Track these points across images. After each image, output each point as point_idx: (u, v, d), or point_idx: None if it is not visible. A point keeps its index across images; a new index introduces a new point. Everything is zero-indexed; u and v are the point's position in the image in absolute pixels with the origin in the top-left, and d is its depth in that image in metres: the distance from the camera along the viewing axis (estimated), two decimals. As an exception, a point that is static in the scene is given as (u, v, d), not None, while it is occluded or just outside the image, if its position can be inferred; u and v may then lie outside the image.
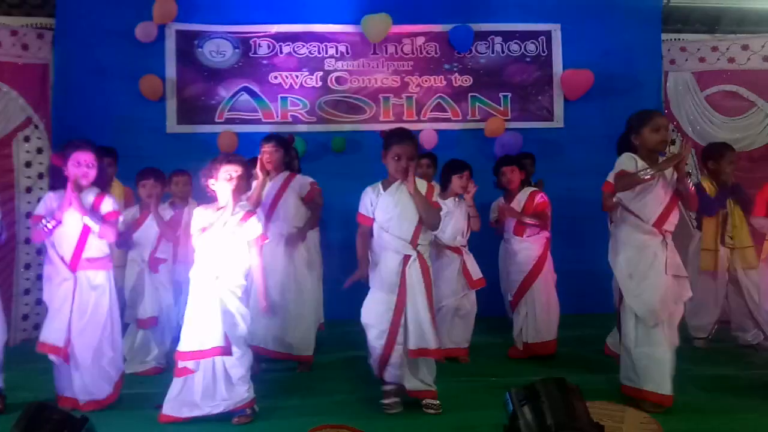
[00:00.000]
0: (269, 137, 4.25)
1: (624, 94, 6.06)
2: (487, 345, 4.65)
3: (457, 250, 4.28)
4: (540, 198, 4.41)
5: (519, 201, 4.43)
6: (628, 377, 3.29)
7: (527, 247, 4.39)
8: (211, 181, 3.19)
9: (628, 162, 3.21)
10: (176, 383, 3.13)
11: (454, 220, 4.26)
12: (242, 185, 3.21)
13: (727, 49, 6.17)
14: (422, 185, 3.31)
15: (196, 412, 3.10)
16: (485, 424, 2.42)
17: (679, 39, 6.44)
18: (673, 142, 6.41)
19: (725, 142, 4.81)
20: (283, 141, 4.27)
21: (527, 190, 4.46)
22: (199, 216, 3.18)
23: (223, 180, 3.14)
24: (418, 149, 3.34)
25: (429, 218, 3.25)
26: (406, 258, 3.19)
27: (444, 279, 4.21)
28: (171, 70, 5.86)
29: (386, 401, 3.26)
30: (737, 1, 6.68)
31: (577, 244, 5.52)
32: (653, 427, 2.69)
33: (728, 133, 5.99)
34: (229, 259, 3.14)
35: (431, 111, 6.15)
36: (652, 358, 3.17)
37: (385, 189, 3.30)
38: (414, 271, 3.19)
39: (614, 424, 2.69)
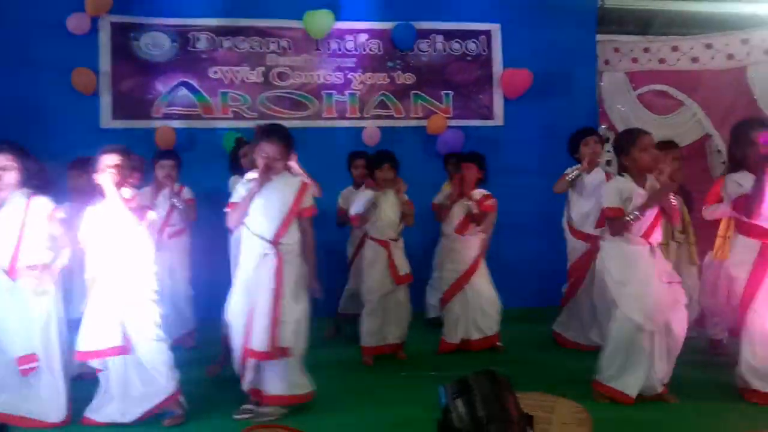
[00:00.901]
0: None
1: (561, 93, 6.22)
2: (428, 340, 4.70)
3: (384, 243, 4.23)
4: (490, 201, 4.45)
5: (472, 199, 4.43)
6: (608, 375, 3.32)
7: (464, 246, 4.43)
8: (95, 175, 3.06)
9: (614, 197, 3.26)
10: (101, 384, 3.08)
11: (383, 213, 4.24)
12: (127, 176, 3.10)
13: (658, 50, 6.41)
14: (295, 183, 3.27)
15: (117, 418, 3.03)
16: (422, 418, 2.45)
17: (613, 40, 6.65)
18: (607, 140, 6.64)
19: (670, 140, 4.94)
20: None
21: (480, 192, 4.48)
22: (90, 214, 3.09)
23: (102, 172, 3.03)
24: (291, 148, 3.29)
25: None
26: (264, 257, 3.13)
27: (370, 273, 4.22)
28: (105, 63, 5.67)
29: (245, 406, 3.20)
30: (668, 5, 6.96)
31: (516, 240, 5.65)
32: (583, 415, 2.77)
33: (659, 130, 6.16)
34: (124, 253, 3.05)
35: (374, 108, 6.16)
36: (636, 363, 3.22)
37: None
38: (268, 270, 3.11)
39: (545, 414, 2.76)
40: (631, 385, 3.24)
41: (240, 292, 3.18)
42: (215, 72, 5.88)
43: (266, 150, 3.17)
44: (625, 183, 3.29)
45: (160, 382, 3.09)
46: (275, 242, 3.16)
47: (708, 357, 4.24)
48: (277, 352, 3.09)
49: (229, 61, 5.90)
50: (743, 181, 3.33)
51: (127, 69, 5.73)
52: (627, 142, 3.30)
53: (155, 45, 5.80)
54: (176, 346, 4.11)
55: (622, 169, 3.37)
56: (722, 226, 4.08)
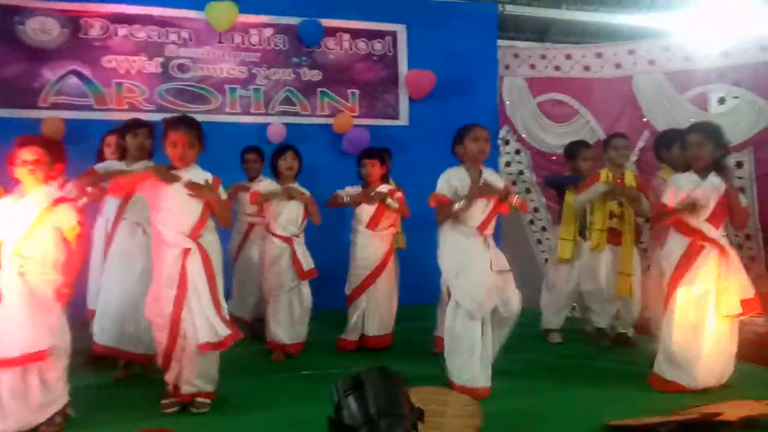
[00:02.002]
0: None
1: (464, 95, 6.39)
2: (327, 338, 4.69)
3: (287, 239, 4.19)
4: (399, 194, 4.48)
5: (381, 196, 4.42)
6: (446, 368, 3.43)
7: (375, 242, 4.44)
8: (14, 168, 2.87)
9: (443, 185, 3.50)
10: None
11: (287, 208, 4.20)
12: (45, 170, 2.89)
13: (554, 57, 6.71)
14: (207, 177, 3.21)
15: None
16: (317, 416, 2.44)
17: (512, 46, 6.92)
18: (507, 143, 6.90)
19: (581, 140, 5.15)
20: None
21: (386, 187, 4.50)
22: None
23: (19, 166, 2.86)
24: (203, 140, 3.20)
25: (221, 215, 3.21)
26: (186, 251, 3.07)
27: (273, 270, 4.17)
28: (-14, 47, 5.27)
29: (165, 401, 3.13)
30: (563, 14, 7.33)
31: (419, 239, 5.73)
32: (474, 408, 2.87)
33: (556, 138, 6.53)
34: (34, 250, 2.85)
35: (279, 104, 6.08)
36: (466, 355, 3.34)
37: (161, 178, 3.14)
38: (194, 263, 3.07)
39: (438, 408, 2.83)
40: (477, 376, 3.33)
41: (162, 288, 3.08)
42: (109, 61, 5.59)
43: (177, 138, 3.08)
44: (458, 172, 3.52)
45: (55, 391, 2.89)
46: (195, 237, 3.10)
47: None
48: (235, 334, 3.12)
49: (125, 50, 5.64)
50: (684, 182, 3.48)
51: (12, 55, 5.34)
52: (463, 133, 3.54)
53: (43, 30, 5.44)
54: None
55: (459, 159, 3.60)
56: (599, 219, 4.42)
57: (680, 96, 6.14)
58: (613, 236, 4.43)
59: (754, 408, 2.90)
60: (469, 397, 3.25)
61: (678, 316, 3.40)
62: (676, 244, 3.48)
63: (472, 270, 3.39)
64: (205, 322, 3.05)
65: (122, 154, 3.90)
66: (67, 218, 2.93)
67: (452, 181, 3.49)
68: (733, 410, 2.84)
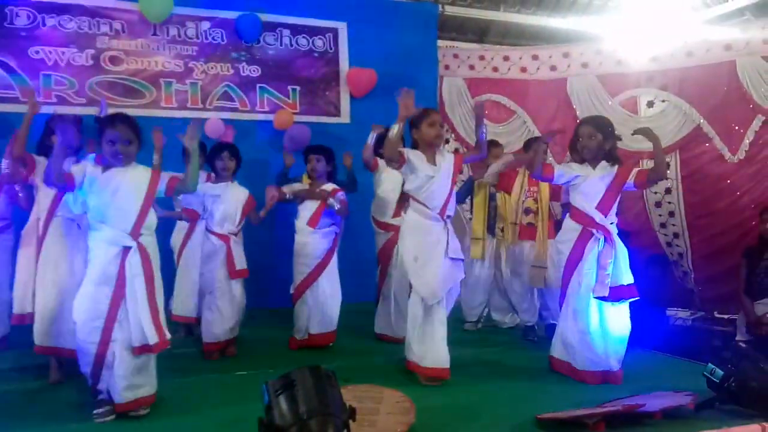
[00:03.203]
0: None
1: (404, 94, 6.42)
2: (268, 336, 4.65)
3: (224, 237, 4.15)
4: (341, 195, 4.45)
5: (325, 195, 4.39)
6: (410, 353, 3.56)
7: (316, 240, 4.41)
8: None
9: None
10: None
11: (224, 206, 4.16)
12: None
13: (492, 58, 6.84)
14: (145, 171, 3.15)
15: None
16: (249, 417, 2.41)
17: (452, 46, 7.01)
18: (447, 141, 6.98)
19: (492, 140, 5.23)
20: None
21: (331, 185, 4.48)
22: None
23: None
24: (139, 135, 3.12)
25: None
26: (126, 250, 3.00)
27: (208, 267, 4.13)
28: None
29: (99, 410, 3.00)
30: (501, 16, 7.47)
31: (360, 236, 5.74)
32: (407, 405, 2.89)
33: (494, 138, 6.64)
34: None
35: (218, 99, 5.97)
36: (432, 336, 3.48)
37: (99, 175, 3.05)
38: (134, 262, 3.00)
39: (373, 405, 2.85)
40: (439, 357, 3.48)
41: (96, 288, 2.97)
42: (36, 52, 5.36)
43: (114, 136, 3.00)
44: (414, 152, 3.59)
45: None
46: (135, 235, 3.01)
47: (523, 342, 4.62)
48: (163, 342, 3.02)
49: (54, 40, 5.41)
50: (577, 168, 3.68)
51: (-71, 42, 5.06)
52: (419, 117, 3.61)
53: (-35, 18, 5.17)
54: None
55: (414, 144, 3.68)
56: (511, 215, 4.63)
57: (611, 99, 6.36)
58: (530, 231, 4.63)
59: (673, 399, 3.04)
60: (431, 377, 3.40)
61: (569, 299, 3.63)
62: (569, 231, 3.69)
63: (430, 255, 3.50)
64: (138, 325, 2.97)
65: (45, 151, 3.75)
66: None
67: (409, 153, 3.54)
68: (654, 402, 2.96)
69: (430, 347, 3.50)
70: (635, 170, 3.64)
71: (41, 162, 3.74)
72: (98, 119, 3.16)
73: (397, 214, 4.52)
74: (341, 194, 4.47)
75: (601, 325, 3.55)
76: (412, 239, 3.60)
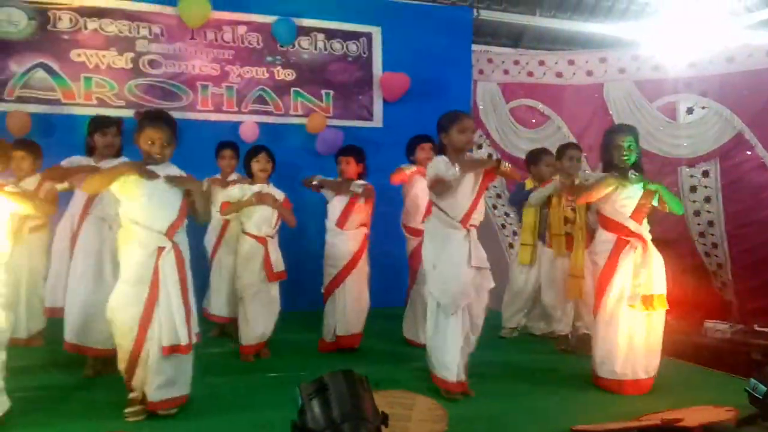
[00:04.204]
0: None
1: (437, 99, 6.38)
2: (299, 339, 4.67)
3: (261, 239, 4.17)
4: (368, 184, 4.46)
5: (354, 188, 4.41)
6: (430, 363, 3.48)
7: (344, 241, 4.41)
8: None
9: (439, 165, 3.39)
10: None
11: (261, 209, 4.16)
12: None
13: (527, 63, 6.77)
14: (181, 172, 3.16)
15: None
16: (282, 420, 2.42)
17: (486, 51, 6.96)
18: (480, 147, 6.94)
19: (543, 148, 5.18)
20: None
21: (361, 182, 4.47)
22: None
23: None
24: (176, 134, 3.13)
25: (200, 205, 3.14)
26: (160, 250, 3.01)
27: (247, 269, 4.14)
28: (-50, 38, 5.13)
29: (130, 409, 3.02)
30: (536, 20, 7.40)
31: (392, 240, 5.73)
32: (440, 413, 2.87)
33: (529, 143, 6.58)
34: None
35: (253, 103, 6.03)
36: (445, 348, 3.36)
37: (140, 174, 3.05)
38: (168, 263, 3.01)
39: (404, 412, 2.83)
40: (451, 370, 3.35)
41: (131, 288, 2.99)
42: (78, 55, 5.48)
43: (155, 135, 3.01)
44: (443, 161, 3.42)
45: None
46: (171, 235, 3.02)
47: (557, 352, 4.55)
48: (191, 344, 3.03)
49: (95, 44, 5.52)
50: (610, 180, 3.58)
51: (-25, 46, 5.21)
52: (449, 121, 3.45)
53: (10, 22, 5.30)
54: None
55: (441, 149, 3.52)
56: (555, 224, 4.55)
57: (649, 104, 6.25)
58: (567, 241, 4.56)
59: (714, 414, 2.96)
60: (444, 390, 3.29)
61: (603, 309, 3.55)
62: (603, 242, 3.63)
63: (449, 263, 3.38)
64: (171, 324, 2.98)
65: (90, 151, 3.83)
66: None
67: (440, 166, 3.39)
68: (693, 416, 2.88)
69: (442, 359, 3.38)
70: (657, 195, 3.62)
71: (78, 162, 3.81)
72: (138, 115, 3.14)
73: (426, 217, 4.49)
74: (368, 185, 4.46)
75: (635, 334, 3.50)
76: (431, 247, 3.49)
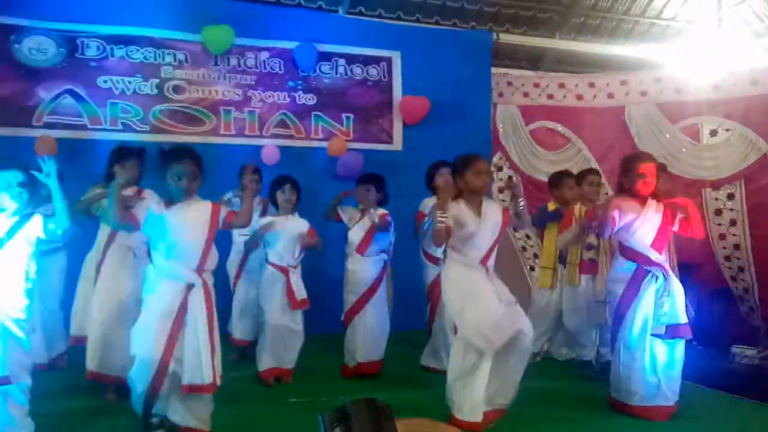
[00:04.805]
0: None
1: (458, 122, 6.43)
2: (319, 364, 4.65)
3: (283, 269, 4.19)
4: (387, 216, 4.46)
5: (372, 217, 4.43)
6: (451, 404, 3.37)
7: (365, 267, 4.41)
8: None
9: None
10: None
11: (284, 239, 4.19)
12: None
13: (547, 86, 6.77)
14: (206, 205, 3.16)
15: None
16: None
17: (506, 74, 6.98)
18: (500, 169, 6.93)
19: (565, 170, 5.17)
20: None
21: (380, 211, 4.50)
22: None
23: (2, 187, 2.81)
24: (201, 169, 3.15)
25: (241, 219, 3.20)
26: (189, 287, 3.01)
27: (270, 297, 4.16)
28: (-19, 66, 5.27)
29: None
30: (556, 43, 7.41)
31: (411, 263, 5.72)
32: (462, 441, 2.83)
33: (549, 165, 6.56)
34: (4, 271, 2.81)
35: (274, 127, 6.10)
36: (474, 388, 3.27)
37: (165, 211, 3.07)
38: (197, 300, 3.00)
39: (426, 440, 2.80)
40: (475, 410, 3.28)
41: (156, 321, 2.98)
42: (105, 81, 5.60)
43: (184, 170, 3.03)
44: (457, 206, 3.38)
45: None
46: (200, 271, 3.03)
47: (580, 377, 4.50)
48: (213, 385, 3.00)
49: (121, 70, 5.65)
50: (627, 208, 3.57)
51: (6, 73, 5.33)
52: (464, 165, 3.41)
53: (39, 50, 5.44)
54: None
55: (458, 192, 3.45)
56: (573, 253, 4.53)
57: (672, 126, 6.19)
58: (591, 267, 4.53)
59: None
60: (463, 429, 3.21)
61: (622, 337, 3.53)
62: (621, 270, 3.59)
63: (479, 305, 3.28)
64: (195, 362, 2.96)
65: (109, 180, 3.90)
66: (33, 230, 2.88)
67: (452, 212, 3.34)
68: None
69: (471, 398, 3.28)
70: (680, 218, 3.61)
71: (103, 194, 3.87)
72: (163, 152, 3.17)
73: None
74: (387, 218, 4.47)
75: (655, 361, 3.47)
76: (454, 291, 3.39)
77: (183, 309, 2.98)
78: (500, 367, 3.31)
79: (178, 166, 3.04)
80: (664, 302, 3.43)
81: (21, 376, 2.83)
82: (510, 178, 3.51)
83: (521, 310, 3.41)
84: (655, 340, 3.45)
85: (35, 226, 2.88)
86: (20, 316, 2.84)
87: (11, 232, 2.82)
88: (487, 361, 3.26)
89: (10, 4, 5.34)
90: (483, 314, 3.25)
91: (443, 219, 3.25)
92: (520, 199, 3.45)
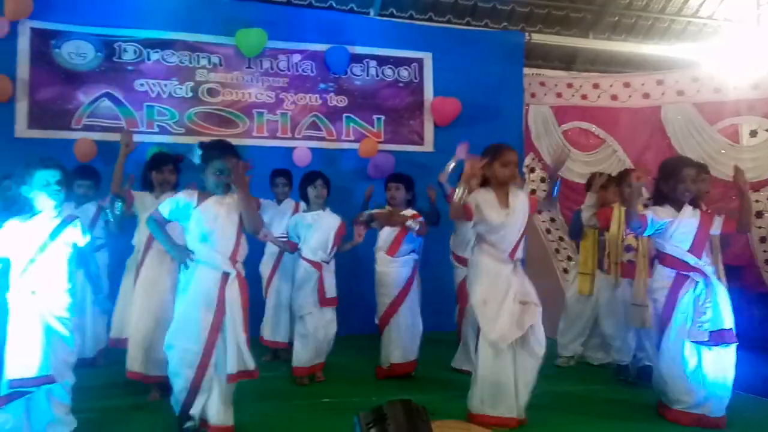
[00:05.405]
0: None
1: (489, 123, 6.39)
2: (352, 364, 4.66)
3: (317, 265, 4.20)
4: (421, 219, 4.43)
5: (412, 225, 4.37)
6: (479, 401, 3.36)
7: (396, 268, 4.41)
8: (24, 188, 2.90)
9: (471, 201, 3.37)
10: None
11: (317, 233, 4.22)
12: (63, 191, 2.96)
13: (581, 86, 6.69)
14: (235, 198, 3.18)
15: None
16: (337, 447, 2.42)
17: (539, 74, 6.92)
18: (533, 170, 6.87)
19: (602, 172, 5.06)
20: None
21: (410, 211, 4.48)
22: (12, 227, 2.89)
23: (40, 186, 2.89)
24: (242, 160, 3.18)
25: (252, 223, 3.16)
26: (225, 275, 3.05)
27: (302, 293, 4.19)
28: (23, 70, 5.39)
29: None
30: (590, 43, 7.32)
31: (441, 264, 5.70)
32: (496, 443, 2.80)
33: (582, 166, 6.48)
34: (47, 271, 2.88)
35: (306, 129, 6.14)
36: (500, 384, 3.29)
37: (198, 203, 3.10)
38: (233, 289, 3.04)
39: (461, 442, 2.78)
40: (506, 406, 3.29)
41: (194, 314, 3.02)
42: (141, 84, 5.71)
43: (222, 165, 3.05)
44: (485, 193, 3.40)
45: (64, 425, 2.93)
46: (234, 260, 3.08)
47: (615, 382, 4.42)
48: (255, 371, 3.05)
49: (157, 74, 5.75)
50: (663, 213, 3.51)
51: (47, 77, 5.47)
52: (492, 154, 3.41)
53: (78, 54, 5.57)
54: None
55: (484, 180, 3.46)
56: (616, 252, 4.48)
57: (710, 127, 6.06)
58: (630, 269, 4.44)
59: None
60: (491, 428, 3.19)
61: (665, 344, 3.45)
62: (662, 278, 3.53)
63: (498, 299, 3.32)
64: (237, 351, 3.01)
65: (148, 186, 4.04)
66: (72, 236, 2.97)
67: (478, 197, 3.38)
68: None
69: (497, 396, 3.29)
70: (719, 219, 3.52)
71: (142, 196, 3.98)
72: (205, 147, 3.21)
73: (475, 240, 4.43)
74: (421, 219, 4.45)
75: (701, 369, 3.38)
76: (480, 282, 3.40)
77: (221, 300, 3.02)
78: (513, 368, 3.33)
79: (220, 162, 3.07)
80: (706, 309, 3.34)
81: (65, 375, 2.90)
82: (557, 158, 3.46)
83: (536, 310, 3.37)
84: (701, 347, 3.35)
85: (75, 233, 2.97)
86: (64, 314, 2.91)
87: (54, 235, 2.90)
88: (505, 355, 3.29)
89: (51, 10, 5.48)
90: (500, 308, 3.29)
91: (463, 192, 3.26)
92: (557, 182, 3.43)
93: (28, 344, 2.80)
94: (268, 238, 4.45)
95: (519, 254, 3.44)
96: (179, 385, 3.05)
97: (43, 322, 2.84)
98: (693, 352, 3.38)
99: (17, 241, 2.86)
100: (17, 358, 2.78)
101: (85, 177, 4.56)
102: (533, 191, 6.62)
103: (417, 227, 4.33)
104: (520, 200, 3.44)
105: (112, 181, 4.03)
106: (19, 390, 2.76)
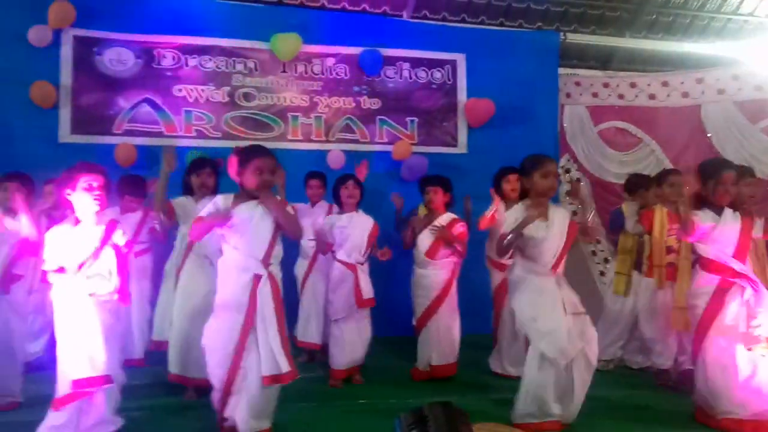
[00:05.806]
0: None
1: (523, 124, 6.34)
2: (390, 365, 4.66)
3: (351, 266, 4.22)
4: (460, 227, 4.43)
5: (439, 223, 4.42)
6: (524, 409, 3.32)
7: (435, 271, 4.40)
8: (67, 191, 2.98)
9: (511, 223, 3.31)
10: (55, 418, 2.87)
11: (352, 236, 4.24)
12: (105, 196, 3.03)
13: (617, 85, 6.61)
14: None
15: None
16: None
17: (574, 74, 6.84)
18: (568, 171, 6.79)
19: (645, 175, 5.01)
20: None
21: (449, 216, 4.48)
22: (57, 233, 2.98)
23: (81, 190, 2.97)
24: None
25: (291, 228, 3.17)
26: (257, 277, 3.05)
27: (338, 294, 4.21)
28: (66, 76, 5.56)
29: None
30: (627, 42, 7.20)
31: (478, 266, 5.67)
32: (537, 447, 2.78)
33: (619, 166, 6.40)
34: (101, 274, 2.97)
35: (340, 132, 6.18)
36: (545, 395, 3.24)
37: (233, 206, 3.10)
38: (265, 291, 3.04)
39: (501, 446, 2.76)
40: (553, 413, 3.25)
41: (228, 314, 3.05)
42: (180, 90, 5.82)
43: (264, 165, 3.08)
44: (521, 211, 3.33)
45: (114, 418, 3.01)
46: (266, 262, 3.09)
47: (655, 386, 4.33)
48: (294, 372, 3.04)
49: (195, 79, 5.86)
50: (704, 217, 3.43)
51: (89, 83, 5.62)
52: (532, 166, 3.35)
53: (119, 60, 5.71)
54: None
55: (524, 193, 3.43)
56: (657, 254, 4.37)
57: (752, 126, 5.93)
58: (671, 271, 4.34)
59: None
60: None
61: (709, 351, 3.36)
62: (703, 284, 3.44)
63: (550, 314, 3.23)
64: (269, 354, 3.00)
65: (189, 191, 4.09)
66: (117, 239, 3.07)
67: (517, 215, 3.32)
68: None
69: (541, 405, 3.24)
70: (759, 222, 3.45)
71: (183, 203, 4.03)
72: (241, 150, 3.21)
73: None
74: (461, 227, 4.44)
75: (755, 374, 3.27)
76: (524, 298, 3.33)
77: (253, 302, 3.02)
78: (565, 378, 3.26)
79: (261, 161, 3.08)
80: (758, 314, 3.25)
81: (119, 375, 3.00)
82: (578, 180, 3.39)
83: (588, 319, 3.33)
84: (753, 354, 3.26)
85: (119, 236, 3.06)
86: (116, 317, 3.01)
87: (104, 239, 2.99)
88: (557, 370, 3.23)
89: (93, 18, 5.63)
90: (555, 323, 3.20)
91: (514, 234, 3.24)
92: (590, 210, 3.36)
93: (91, 346, 2.88)
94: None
95: (560, 269, 3.37)
96: (216, 385, 3.09)
97: (102, 324, 2.92)
98: (745, 358, 3.27)
99: (69, 249, 2.94)
100: (79, 359, 2.86)
101: (135, 194, 4.70)
102: (575, 212, 6.56)
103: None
104: (559, 217, 3.39)
105: (155, 199, 3.99)
106: (83, 390, 2.84)
